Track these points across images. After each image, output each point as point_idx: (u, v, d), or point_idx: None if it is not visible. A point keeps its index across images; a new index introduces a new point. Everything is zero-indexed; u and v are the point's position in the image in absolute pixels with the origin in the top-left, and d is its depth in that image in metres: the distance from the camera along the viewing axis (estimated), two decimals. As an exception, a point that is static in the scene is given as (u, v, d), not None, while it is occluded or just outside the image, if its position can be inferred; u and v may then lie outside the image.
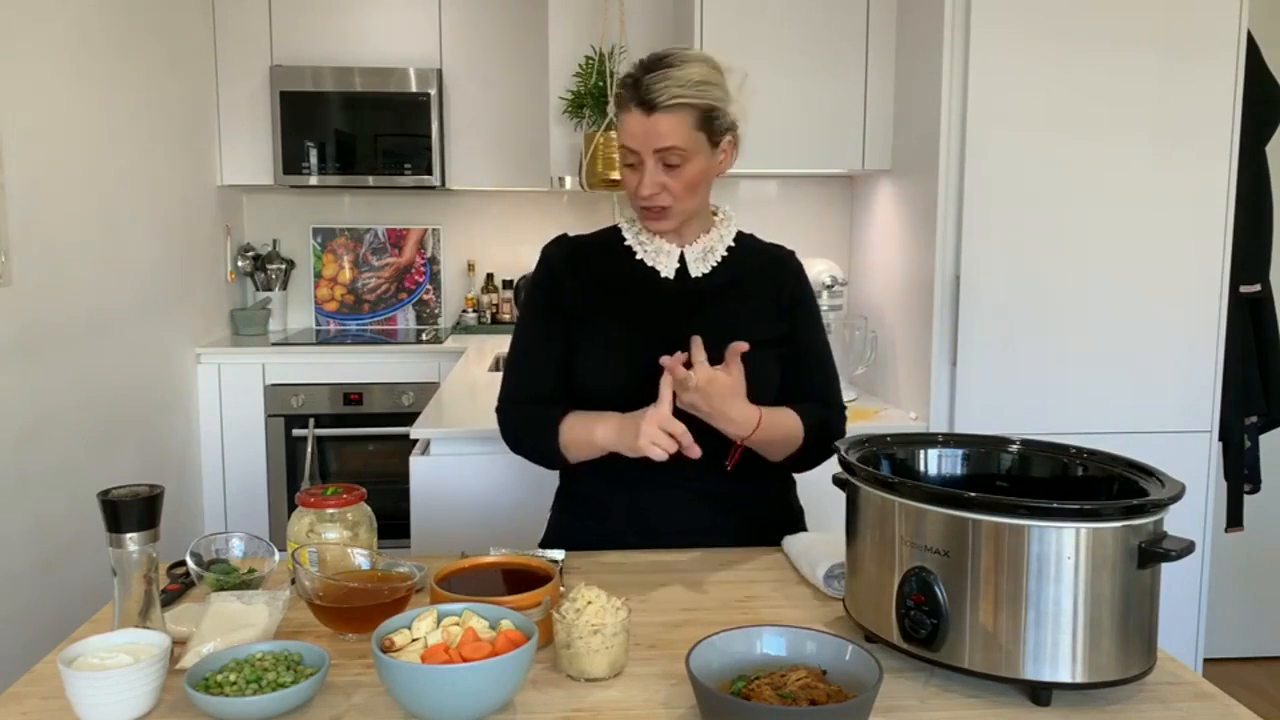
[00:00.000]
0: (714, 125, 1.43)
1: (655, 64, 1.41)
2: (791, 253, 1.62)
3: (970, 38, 2.29)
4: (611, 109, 1.53)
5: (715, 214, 1.58)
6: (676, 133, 1.40)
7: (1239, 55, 2.33)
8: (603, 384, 1.50)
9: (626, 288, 1.53)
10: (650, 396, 1.39)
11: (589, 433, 1.43)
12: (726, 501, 1.53)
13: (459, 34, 3.84)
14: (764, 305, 1.54)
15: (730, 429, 1.39)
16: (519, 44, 3.82)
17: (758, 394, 1.40)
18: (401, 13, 3.82)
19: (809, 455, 1.52)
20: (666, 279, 1.52)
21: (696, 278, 1.53)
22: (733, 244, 1.56)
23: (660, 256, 1.53)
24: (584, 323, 1.52)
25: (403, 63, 3.79)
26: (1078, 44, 2.29)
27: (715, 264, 1.53)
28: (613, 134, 1.53)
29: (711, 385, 1.33)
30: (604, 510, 1.54)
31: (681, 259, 1.53)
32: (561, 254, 1.58)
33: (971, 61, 2.29)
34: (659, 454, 1.30)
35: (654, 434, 1.31)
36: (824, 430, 1.51)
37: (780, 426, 1.46)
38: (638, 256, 1.53)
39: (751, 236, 1.61)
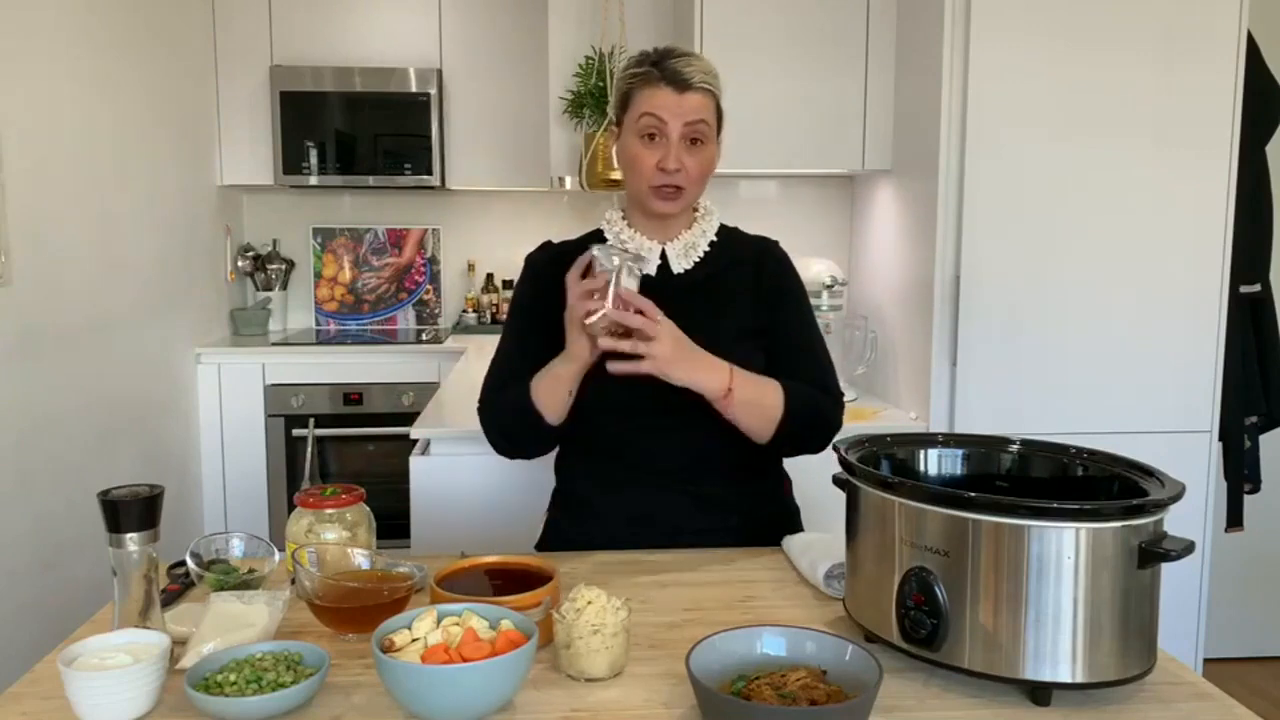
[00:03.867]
0: (720, 117, 1.48)
1: (671, 53, 1.45)
2: (775, 242, 1.62)
3: (970, 38, 2.28)
4: (612, 107, 1.54)
5: (696, 210, 1.58)
6: (705, 110, 1.44)
7: (1239, 55, 2.32)
8: (585, 384, 1.50)
9: None
10: (636, 396, 1.38)
11: (548, 372, 1.44)
12: (722, 502, 1.52)
13: (459, 34, 3.84)
14: (744, 297, 1.54)
15: (705, 381, 1.37)
16: (519, 44, 3.82)
17: None
18: (401, 13, 3.82)
19: (797, 435, 1.48)
20: (648, 276, 1.52)
21: (679, 274, 1.53)
22: (715, 239, 1.56)
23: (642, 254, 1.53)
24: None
25: (403, 63, 3.79)
26: (1078, 44, 2.29)
27: (697, 260, 1.53)
28: (615, 131, 1.54)
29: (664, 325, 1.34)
30: (599, 513, 1.54)
31: (663, 256, 1.53)
32: (544, 260, 1.58)
33: (971, 61, 2.29)
34: (599, 328, 1.33)
35: (580, 308, 1.34)
36: (814, 409, 1.48)
37: (757, 386, 1.43)
38: None
39: (735, 230, 1.61)
